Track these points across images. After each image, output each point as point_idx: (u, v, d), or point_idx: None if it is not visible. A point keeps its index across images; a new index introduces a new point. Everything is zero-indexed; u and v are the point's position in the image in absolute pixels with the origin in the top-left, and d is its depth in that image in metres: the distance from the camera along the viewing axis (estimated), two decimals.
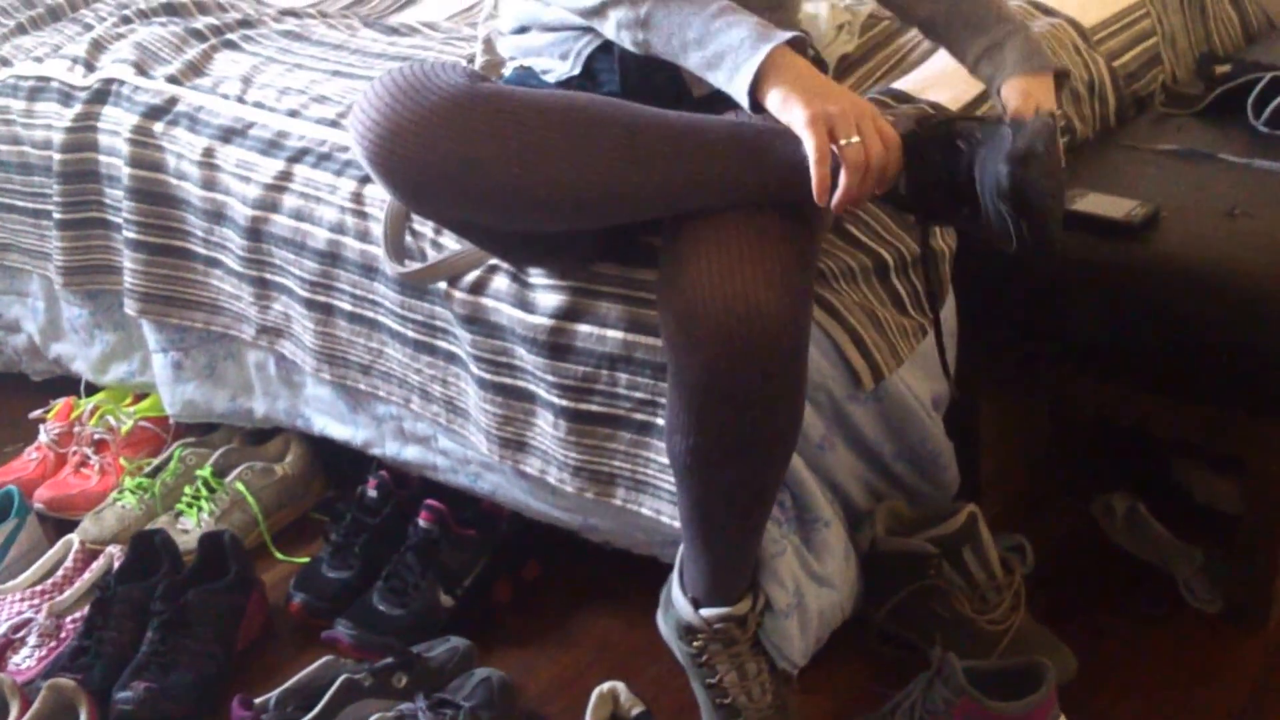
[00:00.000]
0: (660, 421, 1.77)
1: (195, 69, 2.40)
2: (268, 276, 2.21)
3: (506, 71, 1.91)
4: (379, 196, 2.05)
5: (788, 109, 1.53)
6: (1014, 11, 1.83)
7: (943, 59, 2.25)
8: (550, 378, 1.89)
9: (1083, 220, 2.03)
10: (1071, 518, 2.27)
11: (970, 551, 1.93)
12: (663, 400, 1.71)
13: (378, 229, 2.04)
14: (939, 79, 2.19)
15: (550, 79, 1.82)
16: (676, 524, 1.81)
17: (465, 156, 1.54)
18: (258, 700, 1.92)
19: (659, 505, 1.88)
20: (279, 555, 2.36)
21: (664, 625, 1.88)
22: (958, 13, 1.82)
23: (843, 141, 1.51)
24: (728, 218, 1.56)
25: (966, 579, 1.93)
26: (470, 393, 2.02)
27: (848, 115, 1.52)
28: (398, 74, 1.59)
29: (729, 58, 1.56)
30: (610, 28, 1.66)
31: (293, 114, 2.22)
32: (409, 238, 2.01)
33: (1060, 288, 2.03)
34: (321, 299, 2.14)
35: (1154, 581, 2.13)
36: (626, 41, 1.66)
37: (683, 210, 1.59)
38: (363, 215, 2.07)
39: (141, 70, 2.41)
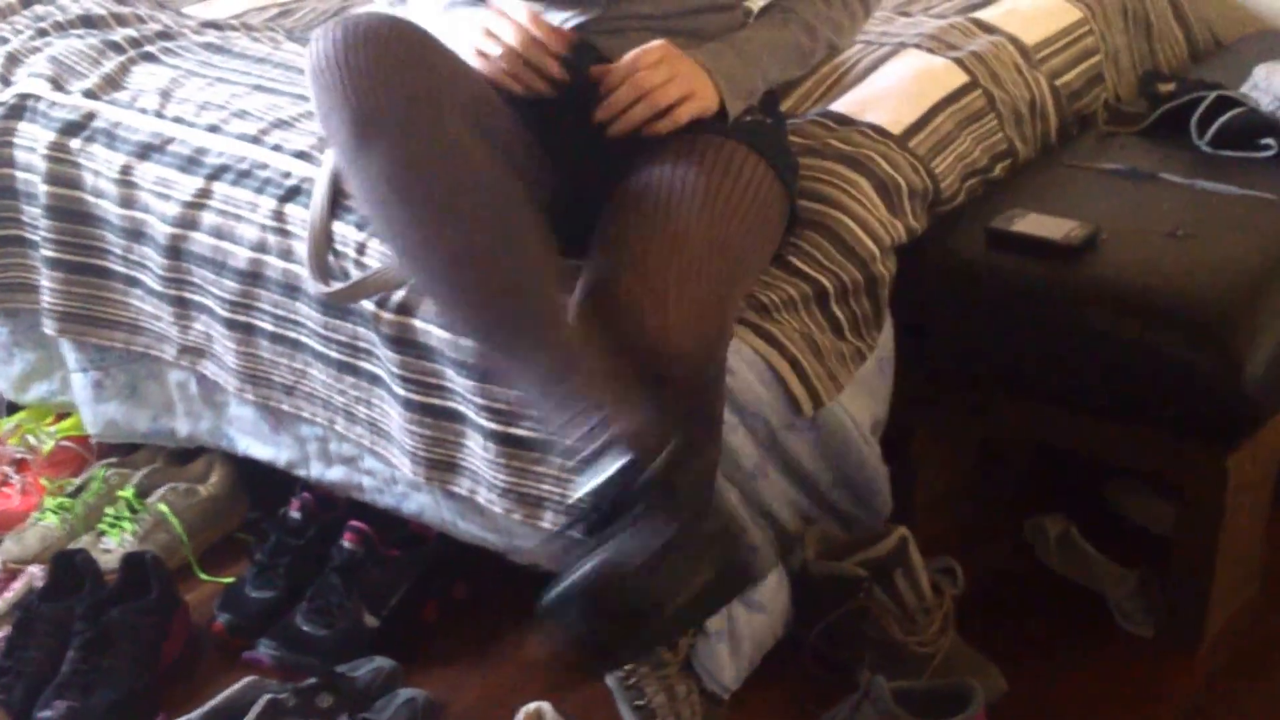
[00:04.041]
0: None
1: (113, 83, 2.35)
2: (188, 296, 2.18)
3: None
4: (301, 215, 2.03)
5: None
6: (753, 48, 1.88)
7: (880, 81, 2.24)
8: (480, 400, 1.87)
9: (1021, 241, 2.02)
10: (1005, 540, 2.26)
11: (901, 574, 1.92)
12: None
13: (300, 248, 2.01)
14: (876, 99, 2.18)
15: None
16: None
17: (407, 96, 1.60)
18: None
19: None
20: (203, 576, 2.33)
21: None
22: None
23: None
24: (665, 232, 1.62)
25: (897, 602, 1.92)
26: (393, 415, 1.99)
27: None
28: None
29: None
30: None
31: (213, 129, 2.19)
32: (331, 257, 1.99)
33: (997, 310, 2.02)
34: (242, 319, 2.11)
35: (1087, 604, 2.13)
36: None
37: None
38: (285, 234, 2.05)
39: (58, 85, 2.36)
